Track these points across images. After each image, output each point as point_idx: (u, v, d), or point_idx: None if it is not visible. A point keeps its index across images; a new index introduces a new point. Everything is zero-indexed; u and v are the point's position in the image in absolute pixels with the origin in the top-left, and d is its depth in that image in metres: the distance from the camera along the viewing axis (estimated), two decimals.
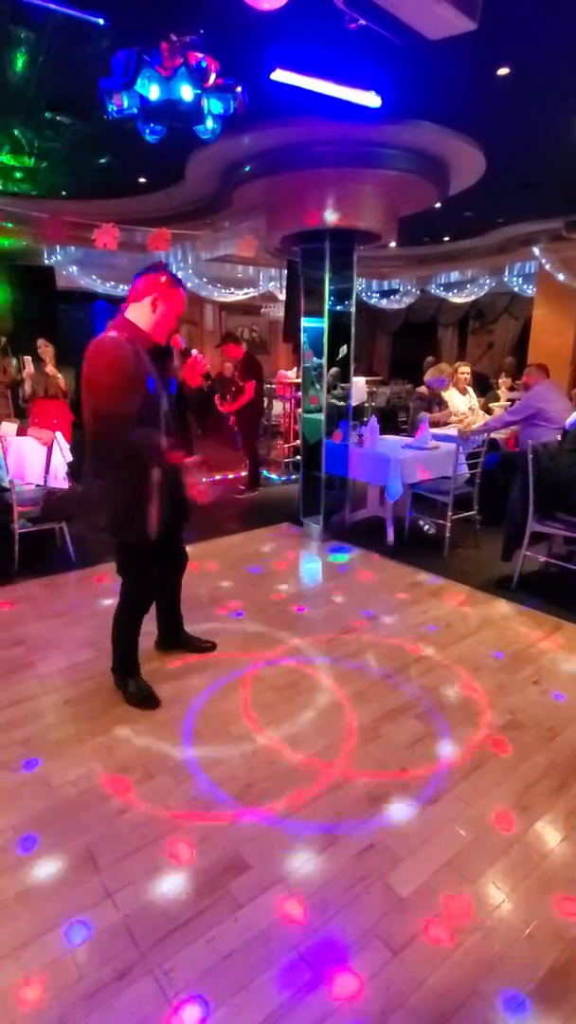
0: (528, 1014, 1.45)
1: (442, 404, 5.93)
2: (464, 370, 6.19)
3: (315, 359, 4.98)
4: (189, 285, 8.57)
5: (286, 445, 7.77)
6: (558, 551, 4.18)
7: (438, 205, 5.24)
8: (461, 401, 6.12)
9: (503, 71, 3.15)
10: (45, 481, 4.39)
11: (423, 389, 6.11)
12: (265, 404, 8.02)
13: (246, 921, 1.68)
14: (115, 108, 2.55)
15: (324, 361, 4.86)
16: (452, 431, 5.26)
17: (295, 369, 7.72)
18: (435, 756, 2.36)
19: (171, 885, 1.79)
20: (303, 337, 5.08)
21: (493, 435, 5.23)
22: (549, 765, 2.31)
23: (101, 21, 2.55)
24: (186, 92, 2.54)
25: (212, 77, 2.58)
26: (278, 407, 9.03)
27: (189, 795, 2.15)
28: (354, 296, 4.97)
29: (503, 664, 3.04)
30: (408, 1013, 1.45)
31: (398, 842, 1.95)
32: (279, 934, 1.64)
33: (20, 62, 2.96)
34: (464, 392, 6.19)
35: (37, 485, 4.42)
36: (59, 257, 7.64)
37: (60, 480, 4.50)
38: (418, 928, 1.66)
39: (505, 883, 1.80)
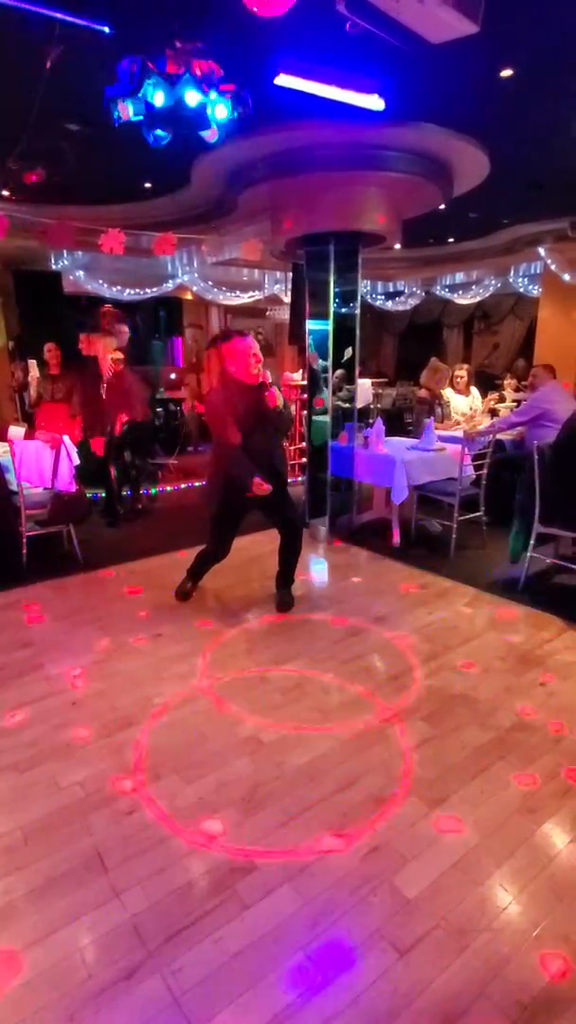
0: (534, 1017, 1.45)
1: (444, 405, 5.93)
2: (460, 373, 6.20)
3: (320, 361, 4.99)
4: (194, 288, 8.61)
5: (292, 447, 7.79)
6: (565, 552, 4.17)
7: (443, 207, 5.24)
8: (462, 402, 6.12)
9: (506, 72, 3.16)
10: (52, 484, 4.43)
11: (423, 393, 6.11)
12: None
13: (253, 921, 1.68)
14: (121, 115, 2.58)
15: (330, 363, 4.87)
16: (458, 432, 5.25)
17: (300, 371, 7.73)
18: (442, 758, 2.36)
19: (178, 885, 1.80)
20: (308, 339, 5.10)
21: (499, 436, 5.22)
22: (556, 767, 2.31)
23: (107, 29, 2.58)
24: (191, 98, 2.56)
25: (217, 83, 2.60)
26: None
27: (196, 795, 2.16)
28: (359, 298, 4.98)
29: (510, 666, 3.03)
30: (415, 1015, 1.45)
31: (405, 844, 1.95)
32: (286, 935, 1.65)
33: (27, 70, 2.99)
34: (465, 393, 6.19)
35: (44, 488, 4.45)
36: (65, 262, 7.68)
37: (67, 483, 4.53)
38: (425, 930, 1.66)
39: (512, 885, 1.80)
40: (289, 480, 3.82)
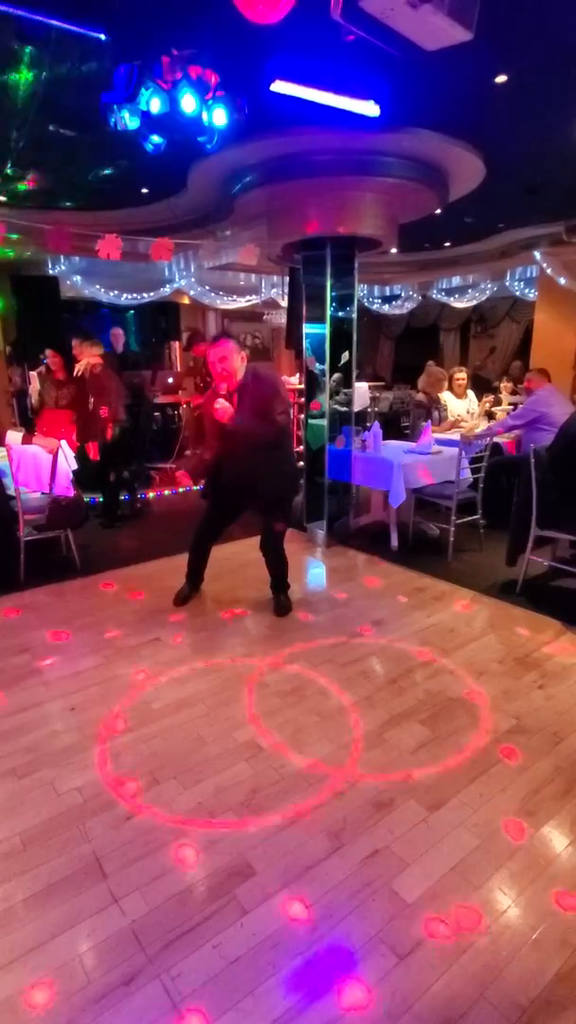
0: (533, 1020, 1.45)
1: (441, 408, 5.95)
2: (459, 376, 6.23)
3: (318, 365, 5.00)
4: (191, 293, 8.63)
5: None
6: (562, 555, 4.18)
7: (439, 211, 5.26)
8: (459, 406, 6.15)
9: (501, 79, 3.18)
10: (50, 489, 4.42)
11: (420, 396, 6.12)
12: None
13: (252, 927, 1.68)
14: (117, 121, 2.59)
15: (327, 367, 4.88)
16: (455, 435, 5.27)
17: (297, 375, 7.75)
18: (440, 761, 2.36)
19: (177, 890, 1.80)
20: (305, 343, 5.11)
21: (496, 439, 5.24)
22: (555, 770, 2.31)
23: (103, 36, 2.59)
24: (187, 105, 2.58)
25: (213, 89, 2.61)
26: None
27: (195, 800, 2.16)
28: (356, 302, 4.99)
29: (508, 669, 3.03)
30: (414, 1018, 1.45)
31: (404, 848, 1.95)
32: (285, 939, 1.64)
33: (23, 77, 3.00)
34: (462, 396, 6.21)
35: (42, 493, 4.45)
36: (63, 267, 7.70)
37: (65, 488, 4.53)
38: (424, 934, 1.66)
39: (511, 888, 1.80)
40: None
